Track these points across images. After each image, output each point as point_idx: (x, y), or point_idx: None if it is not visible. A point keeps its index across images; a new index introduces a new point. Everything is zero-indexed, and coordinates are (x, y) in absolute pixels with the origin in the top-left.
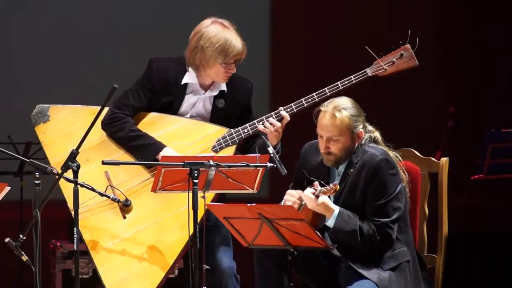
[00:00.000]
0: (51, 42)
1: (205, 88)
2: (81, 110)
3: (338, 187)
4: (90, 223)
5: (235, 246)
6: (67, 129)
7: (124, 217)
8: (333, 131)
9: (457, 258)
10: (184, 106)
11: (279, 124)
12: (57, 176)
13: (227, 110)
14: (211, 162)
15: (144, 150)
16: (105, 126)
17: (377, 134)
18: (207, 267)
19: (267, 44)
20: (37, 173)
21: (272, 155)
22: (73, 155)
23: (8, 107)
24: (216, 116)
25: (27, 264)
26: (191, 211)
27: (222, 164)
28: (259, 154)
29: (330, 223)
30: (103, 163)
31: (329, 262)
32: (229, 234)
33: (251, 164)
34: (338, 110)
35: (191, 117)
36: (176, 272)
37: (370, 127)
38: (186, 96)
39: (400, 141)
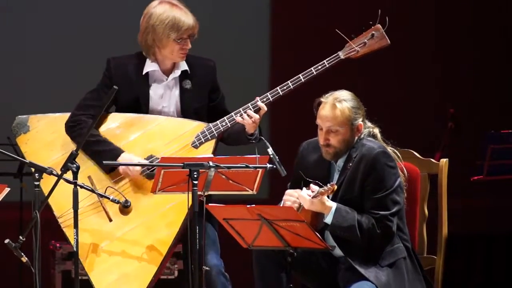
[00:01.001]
0: (51, 44)
1: (167, 73)
2: (61, 118)
3: (335, 187)
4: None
5: (234, 247)
6: (48, 137)
7: (110, 220)
8: (333, 122)
9: (457, 259)
10: (153, 99)
11: (257, 116)
12: (57, 177)
13: (196, 91)
14: (211, 163)
15: (103, 156)
16: (67, 130)
17: (376, 131)
18: (207, 268)
19: (267, 44)
20: (36, 174)
21: (271, 156)
22: (73, 156)
23: (7, 108)
24: (186, 98)
25: (27, 265)
26: (190, 212)
27: (221, 165)
28: (258, 155)
29: (328, 219)
30: (103, 164)
31: (329, 263)
32: (216, 233)
33: (250, 165)
34: (338, 101)
35: (163, 108)
36: (176, 273)
37: (369, 124)
38: (151, 87)
39: (400, 142)
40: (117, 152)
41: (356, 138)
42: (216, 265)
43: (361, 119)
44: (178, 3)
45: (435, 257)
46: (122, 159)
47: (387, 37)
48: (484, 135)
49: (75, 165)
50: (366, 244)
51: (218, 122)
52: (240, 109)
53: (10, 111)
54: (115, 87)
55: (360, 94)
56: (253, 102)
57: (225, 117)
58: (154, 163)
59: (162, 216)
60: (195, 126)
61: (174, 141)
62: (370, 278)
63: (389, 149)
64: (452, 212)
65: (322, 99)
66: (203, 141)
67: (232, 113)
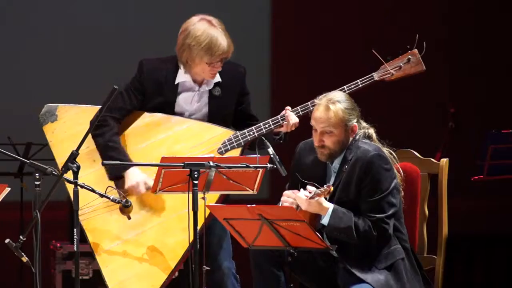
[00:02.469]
0: (52, 43)
1: (199, 83)
2: (89, 110)
3: (332, 188)
4: (94, 224)
5: (235, 247)
6: (74, 128)
7: (129, 218)
8: (326, 123)
9: (457, 259)
10: (181, 105)
11: (297, 119)
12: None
13: (225, 98)
14: (211, 163)
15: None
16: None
17: (371, 131)
18: (207, 268)
19: (268, 44)
20: (37, 174)
21: (272, 156)
22: (73, 156)
23: (8, 108)
24: (215, 105)
25: (27, 265)
26: (191, 212)
27: (222, 165)
28: (259, 155)
29: (325, 220)
30: (103, 164)
31: (327, 263)
32: (228, 234)
33: (251, 165)
34: (332, 103)
35: (190, 113)
36: (176, 273)
37: (364, 124)
38: (181, 94)
39: (400, 142)
40: (129, 166)
41: (351, 139)
42: (228, 267)
43: (355, 120)
44: (218, 23)
45: (435, 257)
46: (129, 173)
47: (422, 63)
48: (484, 134)
49: (75, 165)
50: (362, 246)
51: (246, 131)
52: (269, 120)
53: (10, 112)
54: (115, 86)
55: (360, 94)
56: (281, 114)
57: (253, 127)
58: (154, 163)
59: (179, 219)
60: (222, 133)
61: (201, 145)
62: (367, 280)
63: (385, 149)
64: (452, 212)
65: (316, 101)
66: (229, 148)
67: (261, 124)
